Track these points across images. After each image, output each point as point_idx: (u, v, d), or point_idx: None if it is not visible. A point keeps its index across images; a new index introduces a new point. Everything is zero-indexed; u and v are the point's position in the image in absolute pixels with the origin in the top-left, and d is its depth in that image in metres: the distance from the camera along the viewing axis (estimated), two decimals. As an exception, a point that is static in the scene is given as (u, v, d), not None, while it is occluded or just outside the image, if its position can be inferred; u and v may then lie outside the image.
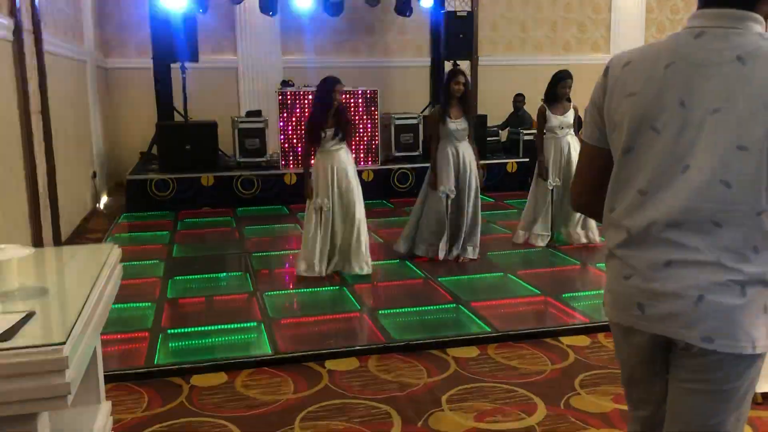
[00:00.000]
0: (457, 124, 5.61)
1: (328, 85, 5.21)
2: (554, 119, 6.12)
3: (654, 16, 12.26)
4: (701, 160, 1.44)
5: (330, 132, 5.20)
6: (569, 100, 6.22)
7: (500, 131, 10.31)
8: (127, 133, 10.21)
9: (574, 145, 6.10)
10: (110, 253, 2.42)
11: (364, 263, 5.32)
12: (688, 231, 1.45)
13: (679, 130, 1.47)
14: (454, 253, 5.73)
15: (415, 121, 9.07)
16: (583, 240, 6.16)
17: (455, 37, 9.59)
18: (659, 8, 12.27)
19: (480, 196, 5.81)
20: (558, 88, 6.12)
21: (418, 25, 10.82)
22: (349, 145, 5.40)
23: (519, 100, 10.68)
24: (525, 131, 9.80)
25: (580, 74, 11.45)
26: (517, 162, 9.35)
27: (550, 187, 6.15)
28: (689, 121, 1.46)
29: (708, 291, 1.43)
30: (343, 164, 5.26)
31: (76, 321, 1.69)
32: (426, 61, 10.79)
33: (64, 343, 1.54)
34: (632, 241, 1.54)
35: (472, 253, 5.77)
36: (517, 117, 10.58)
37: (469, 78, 6.50)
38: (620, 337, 1.65)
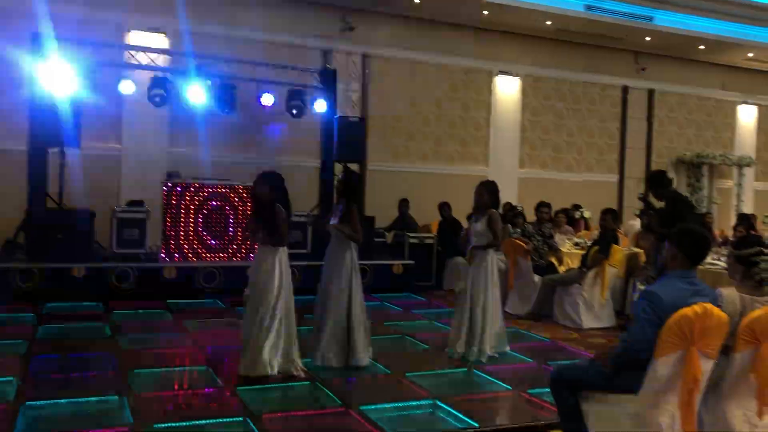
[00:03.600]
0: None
1: None
2: None
3: (527, 134, 13.23)
4: None
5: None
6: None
7: (386, 233, 10.50)
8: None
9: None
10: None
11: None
12: None
13: None
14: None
15: (304, 220, 9.06)
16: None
17: (347, 141, 9.84)
18: (531, 128, 13.28)
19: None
20: None
21: (309, 128, 11.03)
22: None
23: (404, 204, 11.03)
24: (410, 234, 10.05)
25: (460, 184, 12.17)
26: (402, 264, 9.48)
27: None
28: None
29: None
30: None
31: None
32: (316, 162, 10.95)
33: None
34: None
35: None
36: (403, 221, 10.86)
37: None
38: None
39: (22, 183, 8.46)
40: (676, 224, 5.83)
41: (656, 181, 7.30)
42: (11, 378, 4.85)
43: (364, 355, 5.57)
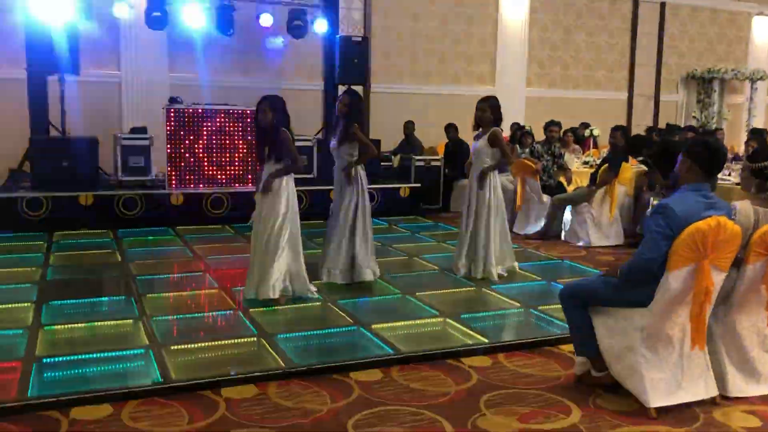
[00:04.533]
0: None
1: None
2: None
3: (535, 52, 12.91)
4: None
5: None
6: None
7: (393, 156, 10.41)
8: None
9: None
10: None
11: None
12: None
13: None
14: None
15: (309, 143, 8.96)
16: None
17: (350, 62, 9.61)
18: (539, 46, 12.94)
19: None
20: None
21: (311, 49, 10.77)
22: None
23: (409, 127, 10.87)
24: (416, 157, 9.96)
25: (466, 105, 11.92)
26: (409, 187, 9.44)
27: None
28: None
29: None
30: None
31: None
32: (319, 85, 10.75)
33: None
34: None
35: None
36: (408, 143, 10.75)
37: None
38: None
39: (23, 112, 8.35)
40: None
41: (639, 145, 7.25)
42: (27, 303, 4.92)
43: (368, 271, 5.60)
